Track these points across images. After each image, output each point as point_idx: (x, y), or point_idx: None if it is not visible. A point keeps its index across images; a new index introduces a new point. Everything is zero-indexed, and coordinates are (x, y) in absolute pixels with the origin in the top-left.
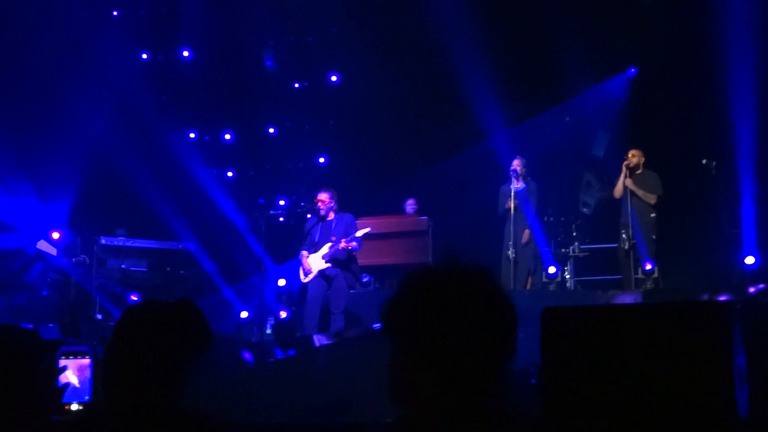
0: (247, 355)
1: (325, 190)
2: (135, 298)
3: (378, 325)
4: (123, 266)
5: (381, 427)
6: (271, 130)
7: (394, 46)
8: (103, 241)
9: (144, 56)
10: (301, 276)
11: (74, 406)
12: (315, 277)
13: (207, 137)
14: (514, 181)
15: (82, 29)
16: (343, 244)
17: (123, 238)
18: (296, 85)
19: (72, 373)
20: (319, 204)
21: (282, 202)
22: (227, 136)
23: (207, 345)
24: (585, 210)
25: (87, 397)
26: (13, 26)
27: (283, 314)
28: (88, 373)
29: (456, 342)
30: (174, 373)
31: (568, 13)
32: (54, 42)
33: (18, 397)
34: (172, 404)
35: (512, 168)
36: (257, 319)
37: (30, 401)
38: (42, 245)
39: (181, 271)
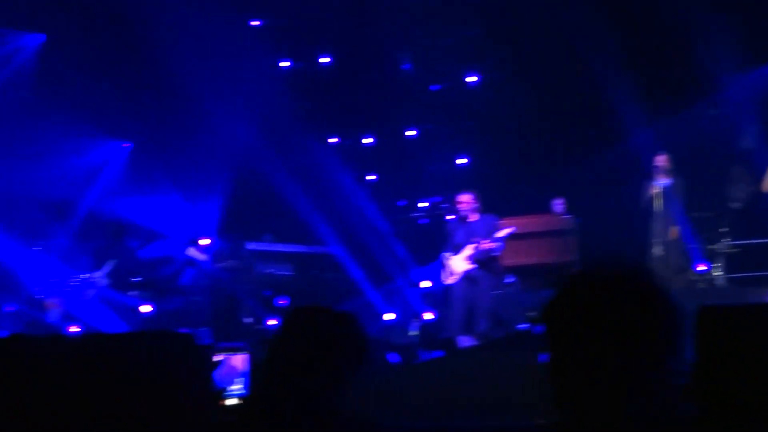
0: (392, 357)
1: (467, 192)
2: (283, 302)
3: (523, 326)
4: (270, 270)
5: (531, 429)
6: (412, 133)
7: (532, 45)
8: (250, 247)
9: (284, 64)
10: (445, 278)
11: (231, 401)
12: (459, 279)
13: (348, 141)
14: (659, 177)
15: (224, 40)
16: (485, 245)
17: (269, 243)
18: (434, 88)
19: (229, 368)
20: (462, 205)
21: (424, 204)
22: (368, 140)
23: (365, 359)
24: (734, 205)
25: (243, 392)
26: (157, 39)
27: (429, 316)
28: (244, 368)
29: (618, 345)
30: (333, 380)
31: (711, 2)
32: (197, 54)
33: (178, 400)
34: (333, 407)
35: (657, 164)
36: (402, 322)
37: (189, 403)
38: (192, 252)
39: (326, 275)
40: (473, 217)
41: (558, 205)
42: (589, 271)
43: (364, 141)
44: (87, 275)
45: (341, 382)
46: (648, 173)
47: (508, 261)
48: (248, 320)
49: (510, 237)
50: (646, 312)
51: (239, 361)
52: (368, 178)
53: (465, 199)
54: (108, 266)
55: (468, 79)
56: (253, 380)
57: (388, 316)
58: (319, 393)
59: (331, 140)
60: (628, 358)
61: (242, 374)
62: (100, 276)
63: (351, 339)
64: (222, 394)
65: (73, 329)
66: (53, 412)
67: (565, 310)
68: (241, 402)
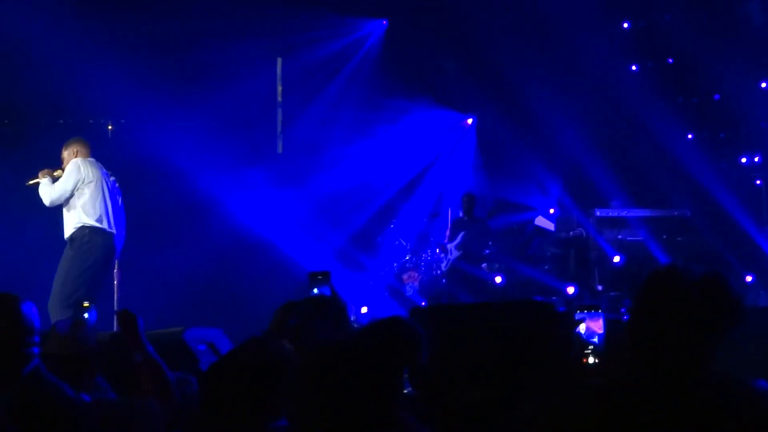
0: None
1: None
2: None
3: None
4: (619, 236)
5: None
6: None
7: None
8: (598, 213)
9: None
10: None
11: (591, 360)
12: None
13: (694, 100)
14: None
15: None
16: None
17: (618, 209)
18: None
19: (588, 330)
20: None
21: None
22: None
23: (737, 320)
24: None
25: (601, 352)
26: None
27: None
28: (600, 330)
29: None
30: (706, 345)
31: None
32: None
33: (547, 362)
34: (708, 373)
35: None
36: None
37: (556, 364)
38: (540, 221)
39: (678, 238)
40: None
41: None
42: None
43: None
44: (440, 248)
45: (714, 345)
46: None
47: None
48: (599, 288)
49: None
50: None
51: (596, 324)
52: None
53: None
54: (459, 238)
55: None
56: (607, 341)
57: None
58: (694, 357)
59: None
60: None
61: (599, 336)
62: (452, 248)
63: (721, 299)
64: (583, 353)
65: (427, 301)
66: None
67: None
68: (598, 363)
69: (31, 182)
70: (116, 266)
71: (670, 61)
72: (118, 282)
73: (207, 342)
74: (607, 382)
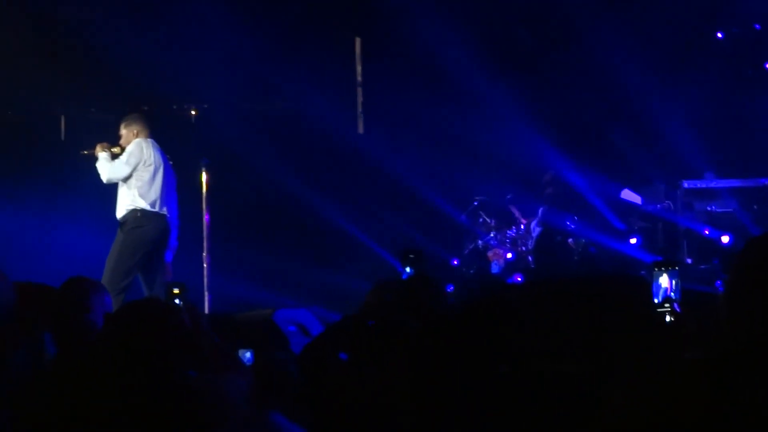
0: None
1: None
2: (726, 239)
3: None
4: (709, 208)
5: None
6: None
7: None
8: (686, 185)
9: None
10: None
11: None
12: None
13: None
14: None
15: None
16: None
17: (708, 180)
18: None
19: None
20: None
21: None
22: None
23: None
24: None
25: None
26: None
27: None
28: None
29: None
30: None
31: None
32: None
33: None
34: None
35: None
36: None
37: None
38: (626, 194)
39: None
40: None
41: None
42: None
43: None
44: (523, 224)
45: None
46: None
47: None
48: (688, 261)
49: None
50: None
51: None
52: None
53: None
54: (540, 214)
55: None
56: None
57: None
58: None
59: None
60: None
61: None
62: (534, 224)
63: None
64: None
65: (516, 279)
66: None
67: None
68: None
69: (86, 152)
70: (205, 251)
71: (758, 27)
72: (208, 266)
73: (297, 323)
74: (710, 356)
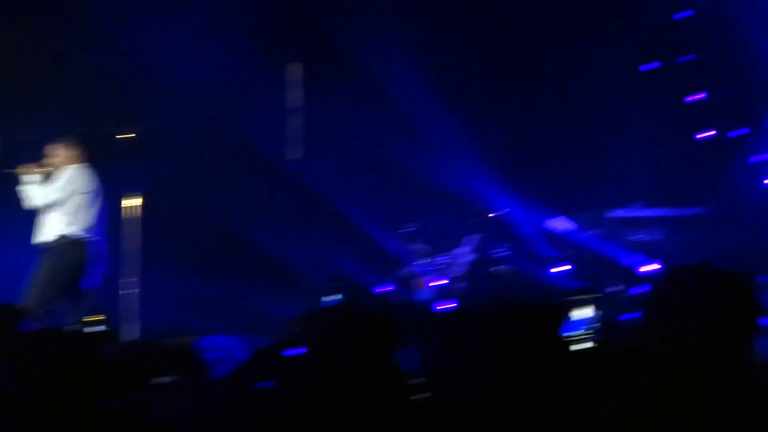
0: None
1: None
2: (653, 267)
3: None
4: (638, 237)
5: None
6: None
7: None
8: (615, 214)
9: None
10: None
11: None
12: None
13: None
14: None
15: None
16: None
17: (636, 209)
18: None
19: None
20: None
21: None
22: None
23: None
24: None
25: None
26: None
27: None
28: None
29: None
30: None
31: None
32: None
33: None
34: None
35: None
36: None
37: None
38: (557, 223)
39: (694, 237)
40: None
41: None
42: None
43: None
44: (454, 251)
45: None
46: None
47: None
48: (619, 288)
49: None
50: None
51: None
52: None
53: None
54: (473, 241)
55: None
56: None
57: None
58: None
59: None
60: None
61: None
62: (465, 252)
63: (742, 297)
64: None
65: (444, 306)
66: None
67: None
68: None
69: (15, 171)
70: (135, 277)
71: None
72: (138, 292)
73: (222, 349)
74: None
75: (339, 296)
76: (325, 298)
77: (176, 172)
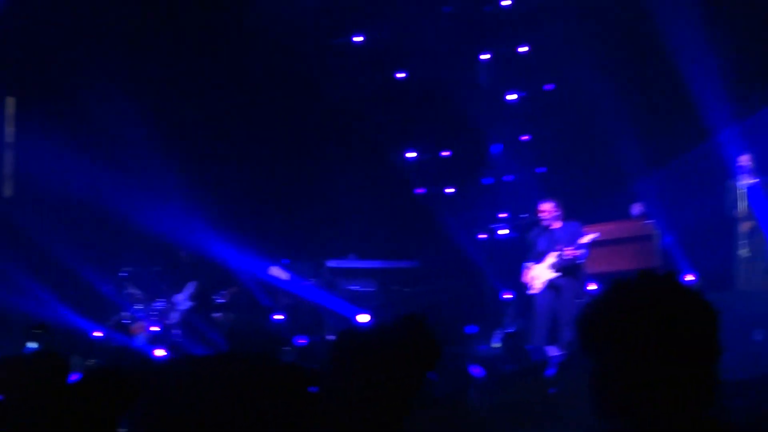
0: (476, 370)
1: (548, 200)
2: (366, 318)
3: None
4: (352, 287)
5: None
6: (489, 145)
7: (609, 48)
8: (330, 264)
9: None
10: (529, 287)
11: None
12: (543, 288)
13: (427, 155)
14: (743, 177)
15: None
16: (569, 252)
17: (350, 261)
18: (511, 97)
19: None
20: (543, 214)
21: (503, 215)
22: (445, 153)
23: (434, 361)
24: None
25: None
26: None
27: (511, 328)
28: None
29: (659, 353)
30: (401, 392)
31: None
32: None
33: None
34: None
35: (740, 164)
36: (485, 333)
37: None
38: (274, 271)
39: (406, 289)
40: (556, 225)
41: (636, 209)
42: (622, 284)
43: (443, 154)
44: (170, 298)
45: (412, 390)
46: (732, 173)
47: (592, 268)
48: (331, 337)
49: (593, 244)
50: (683, 319)
51: None
52: (447, 191)
53: (547, 208)
54: (190, 288)
55: (547, 88)
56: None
57: (472, 329)
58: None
59: (409, 155)
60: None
61: None
62: (182, 299)
63: (415, 342)
64: None
65: (159, 353)
66: None
67: (605, 321)
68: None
69: None
70: None
71: None
72: None
73: None
74: None
75: (35, 344)
76: (28, 345)
77: None
